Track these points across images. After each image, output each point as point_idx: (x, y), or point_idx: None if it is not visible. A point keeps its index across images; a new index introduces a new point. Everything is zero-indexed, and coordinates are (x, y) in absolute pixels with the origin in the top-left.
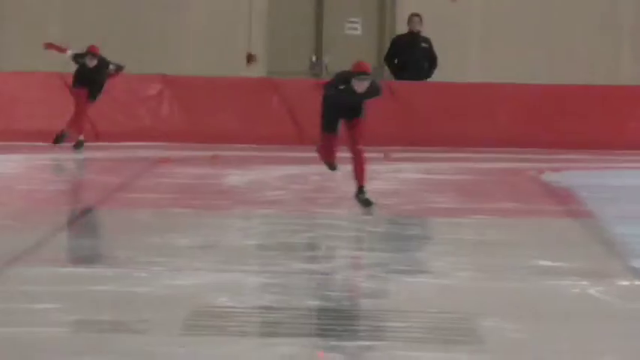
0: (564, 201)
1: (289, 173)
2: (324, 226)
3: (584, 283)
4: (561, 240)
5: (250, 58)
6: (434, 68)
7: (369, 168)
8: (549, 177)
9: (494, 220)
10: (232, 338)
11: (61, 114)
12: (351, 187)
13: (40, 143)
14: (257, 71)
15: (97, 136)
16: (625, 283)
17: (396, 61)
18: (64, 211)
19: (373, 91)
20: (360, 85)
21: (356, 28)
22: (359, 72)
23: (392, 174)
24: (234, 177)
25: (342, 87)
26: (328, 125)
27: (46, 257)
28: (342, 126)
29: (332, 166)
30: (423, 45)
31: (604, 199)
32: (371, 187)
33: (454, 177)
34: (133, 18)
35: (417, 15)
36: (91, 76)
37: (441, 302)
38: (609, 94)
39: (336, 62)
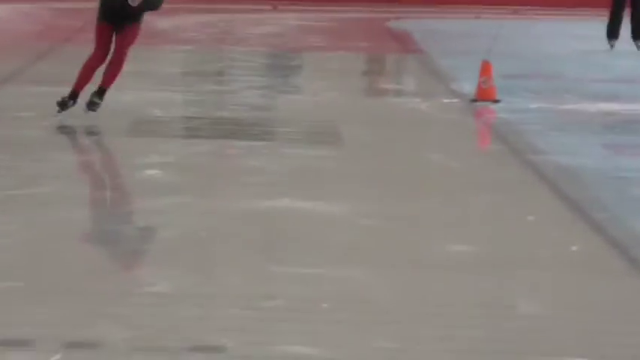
0: (402, 41)
1: (204, 20)
2: (228, 59)
3: (417, 100)
4: (401, 70)
5: None
6: None
7: (254, 18)
8: (392, 24)
9: (352, 55)
10: (164, 139)
11: None
12: (250, 29)
13: None
14: None
15: None
16: (445, 100)
17: None
18: (39, 46)
19: (152, 5)
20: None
21: None
22: None
23: (278, 21)
24: (163, 22)
25: None
26: (103, 17)
27: (26, 79)
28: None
29: (65, 101)
30: None
31: (431, 39)
32: (262, 31)
33: (325, 24)
34: None
35: None
36: None
37: (313, 114)
38: None
39: None
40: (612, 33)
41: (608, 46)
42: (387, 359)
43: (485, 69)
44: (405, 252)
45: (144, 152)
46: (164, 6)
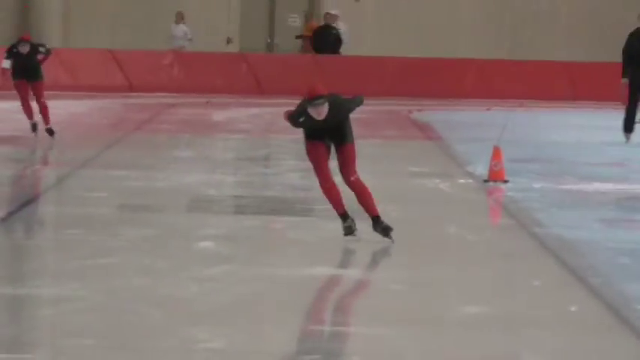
0: (424, 130)
1: (252, 113)
2: (273, 146)
3: (437, 181)
4: (423, 154)
5: (229, 40)
6: (339, 47)
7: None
8: (415, 115)
9: (381, 142)
10: (217, 215)
11: (111, 75)
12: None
13: (95, 93)
14: (233, 48)
15: (132, 89)
16: (462, 181)
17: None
18: (112, 135)
19: (342, 109)
20: (317, 112)
21: (295, 21)
22: (311, 97)
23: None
24: (219, 115)
25: (302, 119)
26: (311, 139)
27: (100, 164)
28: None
29: (348, 226)
30: (334, 32)
31: (449, 128)
32: None
33: (356, 115)
34: (153, 9)
35: (329, 13)
36: (25, 64)
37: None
38: (453, 63)
39: (283, 43)
40: (627, 128)
41: (623, 139)
42: None
43: (496, 154)
44: (426, 312)
45: (199, 226)
46: (219, 101)
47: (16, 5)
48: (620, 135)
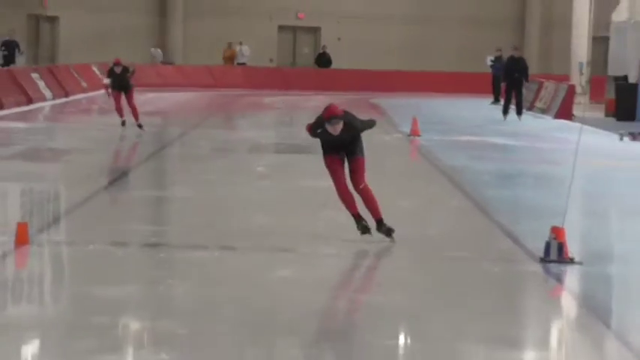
0: (376, 108)
1: (283, 99)
2: (295, 116)
3: (382, 135)
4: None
5: (271, 60)
6: (331, 64)
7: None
8: (373, 101)
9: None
10: (265, 153)
11: (206, 78)
12: (304, 103)
13: (196, 89)
14: (273, 64)
15: (217, 86)
16: (396, 135)
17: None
18: (207, 111)
19: (354, 128)
20: (334, 128)
21: (306, 50)
22: (328, 117)
23: (316, 100)
24: (266, 100)
25: (319, 131)
26: (328, 151)
27: (202, 126)
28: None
29: (364, 226)
30: (327, 57)
31: (389, 108)
32: (309, 104)
33: (339, 100)
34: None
35: (325, 45)
36: (120, 80)
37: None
38: (390, 73)
39: (300, 61)
40: (505, 111)
41: (502, 118)
42: (362, 250)
43: (414, 121)
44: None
45: (256, 160)
46: (265, 93)
47: (150, 31)
48: (481, 109)
